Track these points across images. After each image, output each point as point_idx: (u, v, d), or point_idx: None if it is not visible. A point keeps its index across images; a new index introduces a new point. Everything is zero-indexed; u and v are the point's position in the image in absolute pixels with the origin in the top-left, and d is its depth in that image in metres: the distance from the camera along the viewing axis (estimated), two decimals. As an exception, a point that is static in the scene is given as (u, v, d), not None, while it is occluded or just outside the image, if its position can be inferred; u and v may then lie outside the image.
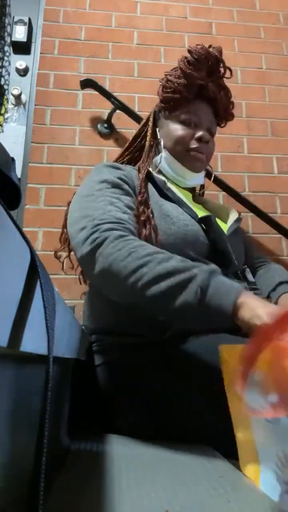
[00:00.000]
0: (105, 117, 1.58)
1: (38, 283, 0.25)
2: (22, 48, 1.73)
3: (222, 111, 1.05)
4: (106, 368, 0.78)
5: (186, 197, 0.99)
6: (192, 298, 0.61)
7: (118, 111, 1.53)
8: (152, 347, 0.75)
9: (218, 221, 0.99)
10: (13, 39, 1.70)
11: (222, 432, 0.55)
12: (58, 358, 0.38)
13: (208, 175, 1.14)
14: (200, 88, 0.98)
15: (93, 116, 1.62)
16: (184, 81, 0.96)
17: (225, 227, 0.99)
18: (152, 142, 1.05)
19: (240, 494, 0.42)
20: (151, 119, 1.08)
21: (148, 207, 0.86)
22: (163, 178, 0.98)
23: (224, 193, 1.55)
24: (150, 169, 1.00)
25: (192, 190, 1.10)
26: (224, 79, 1.02)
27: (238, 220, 1.04)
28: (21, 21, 1.73)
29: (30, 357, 0.30)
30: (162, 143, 1.03)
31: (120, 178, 0.88)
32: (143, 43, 1.75)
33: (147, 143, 1.05)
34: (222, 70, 1.00)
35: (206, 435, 0.65)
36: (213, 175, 1.16)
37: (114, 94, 1.53)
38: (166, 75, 1.02)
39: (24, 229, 1.44)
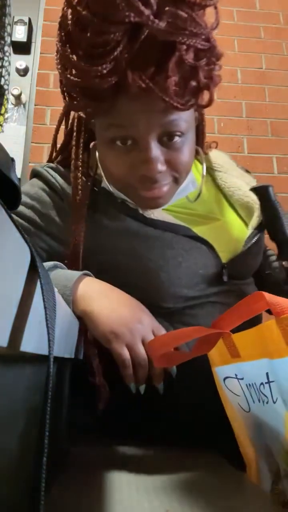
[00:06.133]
0: (105, 117, 1.58)
1: (38, 283, 0.25)
2: (22, 48, 1.73)
3: (174, 99, 0.49)
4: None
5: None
6: None
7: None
8: None
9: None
10: (13, 39, 1.71)
11: (221, 433, 0.55)
12: (58, 358, 0.38)
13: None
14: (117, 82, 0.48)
15: (93, 116, 1.62)
16: (80, 81, 0.50)
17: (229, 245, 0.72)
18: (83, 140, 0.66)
19: (240, 494, 0.42)
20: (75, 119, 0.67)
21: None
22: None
23: (224, 193, 1.55)
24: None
25: None
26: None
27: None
28: (21, 21, 1.73)
29: (30, 357, 0.30)
30: (99, 165, 0.64)
31: (27, 205, 0.66)
32: (143, 43, 1.75)
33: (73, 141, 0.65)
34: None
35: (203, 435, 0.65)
36: (204, 168, 0.71)
37: (114, 94, 1.53)
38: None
39: (24, 229, 1.44)
